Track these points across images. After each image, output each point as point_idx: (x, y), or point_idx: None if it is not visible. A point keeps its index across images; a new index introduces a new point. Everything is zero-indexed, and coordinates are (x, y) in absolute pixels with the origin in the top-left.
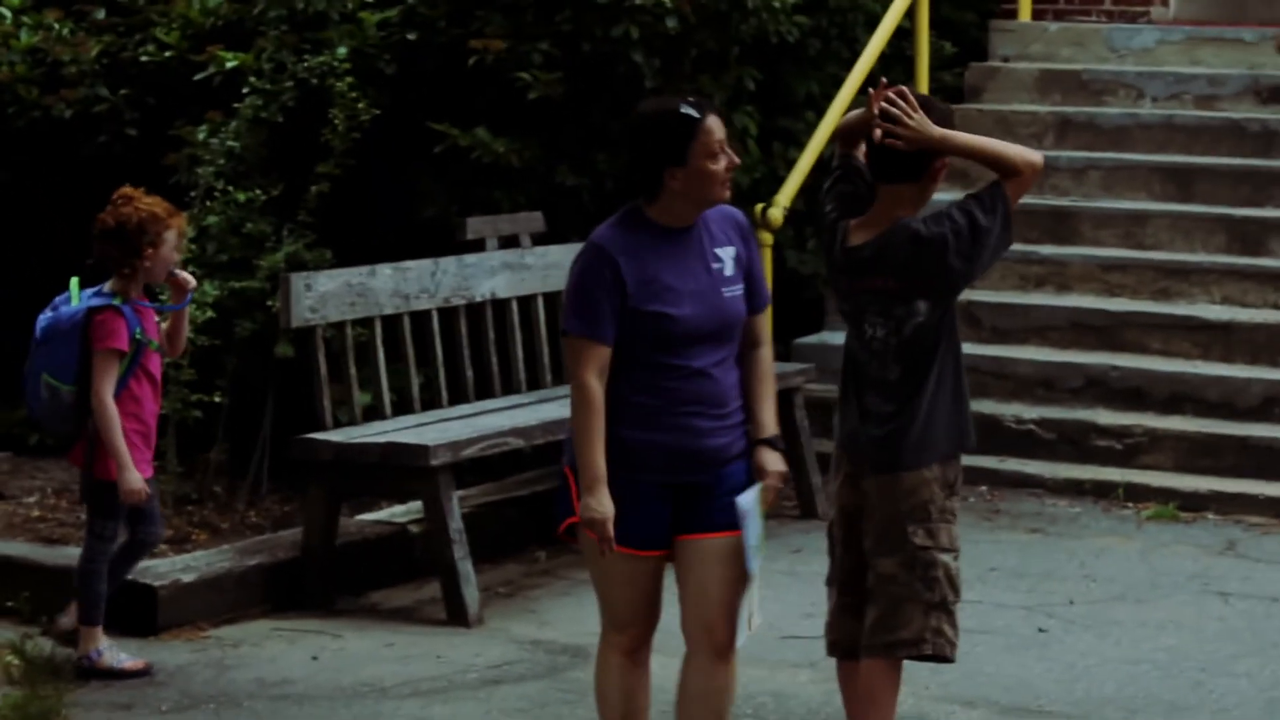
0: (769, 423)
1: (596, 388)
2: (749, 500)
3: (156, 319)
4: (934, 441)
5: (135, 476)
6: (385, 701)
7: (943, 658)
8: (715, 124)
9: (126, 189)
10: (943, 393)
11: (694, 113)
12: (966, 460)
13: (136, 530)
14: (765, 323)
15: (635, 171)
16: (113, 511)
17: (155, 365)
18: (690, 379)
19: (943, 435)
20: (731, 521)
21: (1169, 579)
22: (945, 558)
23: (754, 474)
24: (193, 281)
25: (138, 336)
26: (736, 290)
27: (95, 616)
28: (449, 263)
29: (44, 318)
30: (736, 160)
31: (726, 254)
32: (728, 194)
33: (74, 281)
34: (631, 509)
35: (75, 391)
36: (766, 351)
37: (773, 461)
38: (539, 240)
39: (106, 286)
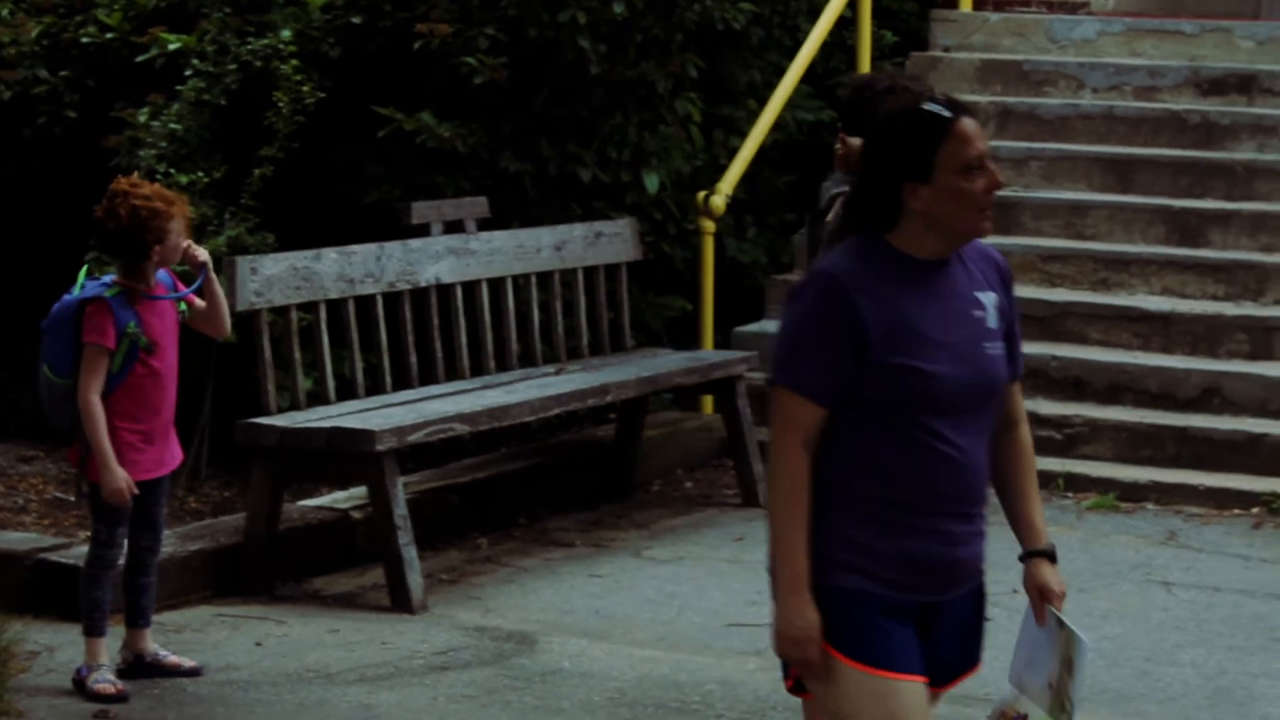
0: (1044, 528)
1: (801, 460)
2: (1084, 643)
3: (183, 308)
4: None
5: (117, 475)
6: (332, 688)
7: None
8: (972, 129)
9: (121, 182)
10: None
11: (944, 112)
12: None
13: (131, 536)
14: (1020, 396)
15: (867, 189)
16: (104, 515)
17: (162, 360)
18: (944, 463)
19: None
20: (961, 663)
21: (1111, 569)
22: None
23: (1039, 595)
24: (203, 255)
25: (129, 331)
26: (998, 348)
27: (93, 626)
28: (394, 247)
29: (55, 307)
30: (1000, 179)
31: (989, 300)
32: (988, 225)
33: (82, 271)
34: (880, 624)
35: (70, 386)
36: (1026, 432)
37: (1058, 580)
38: (483, 226)
39: (112, 277)
